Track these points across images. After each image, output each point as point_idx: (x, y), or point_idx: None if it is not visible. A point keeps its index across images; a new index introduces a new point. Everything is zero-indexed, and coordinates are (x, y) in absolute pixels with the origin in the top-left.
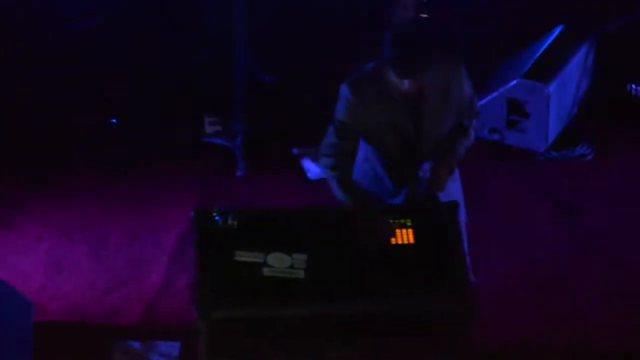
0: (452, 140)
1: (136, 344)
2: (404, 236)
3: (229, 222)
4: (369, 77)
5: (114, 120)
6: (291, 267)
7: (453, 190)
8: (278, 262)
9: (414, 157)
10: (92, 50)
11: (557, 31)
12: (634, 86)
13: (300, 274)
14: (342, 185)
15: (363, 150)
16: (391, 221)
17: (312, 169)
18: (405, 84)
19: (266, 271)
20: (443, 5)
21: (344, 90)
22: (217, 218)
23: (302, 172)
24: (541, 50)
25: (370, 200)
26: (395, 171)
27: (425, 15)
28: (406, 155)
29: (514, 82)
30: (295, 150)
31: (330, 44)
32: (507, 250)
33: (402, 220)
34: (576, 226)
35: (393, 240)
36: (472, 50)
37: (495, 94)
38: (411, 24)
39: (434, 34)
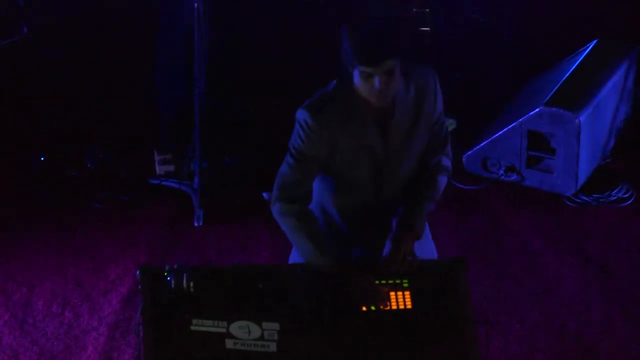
0: (419, 199)
1: None
2: (400, 300)
3: (184, 283)
4: (330, 98)
5: (42, 158)
6: (261, 338)
7: (426, 249)
8: (244, 333)
9: (382, 194)
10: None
11: (589, 47)
12: None
13: (272, 347)
14: (309, 236)
15: (315, 191)
16: (384, 282)
17: None
18: (376, 83)
19: (230, 344)
20: (450, 15)
21: (302, 115)
22: (168, 278)
23: (273, 221)
24: (570, 71)
25: (345, 259)
26: (355, 215)
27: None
28: (375, 190)
29: (537, 110)
30: (265, 195)
31: (302, 73)
32: (528, 314)
33: (397, 281)
34: (610, 287)
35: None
36: (486, 72)
37: (513, 124)
38: (372, 11)
39: (402, 21)
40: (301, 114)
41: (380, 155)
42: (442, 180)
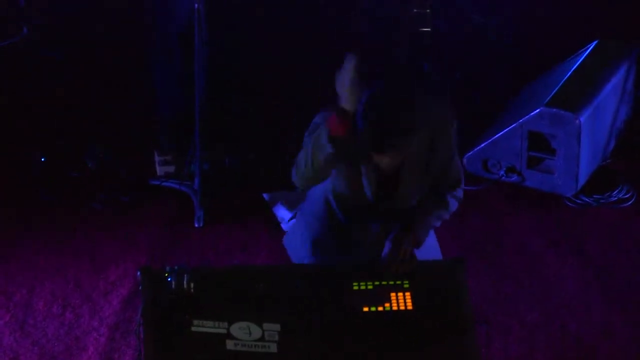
0: (424, 211)
1: None
2: (401, 301)
3: (184, 284)
4: None
5: (42, 159)
6: (261, 339)
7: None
8: (245, 334)
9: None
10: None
11: (590, 48)
12: None
13: (273, 348)
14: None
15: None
16: (384, 283)
17: (287, 218)
18: (381, 162)
19: (230, 345)
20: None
21: (317, 119)
22: (169, 279)
23: (274, 222)
24: (570, 72)
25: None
26: (351, 210)
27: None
28: (363, 203)
29: (537, 111)
30: (265, 196)
31: (302, 74)
32: (528, 315)
33: (397, 282)
34: (610, 288)
35: (387, 306)
36: (486, 72)
37: (513, 125)
38: (390, 88)
39: (419, 97)
40: (317, 118)
41: (375, 184)
42: (453, 204)
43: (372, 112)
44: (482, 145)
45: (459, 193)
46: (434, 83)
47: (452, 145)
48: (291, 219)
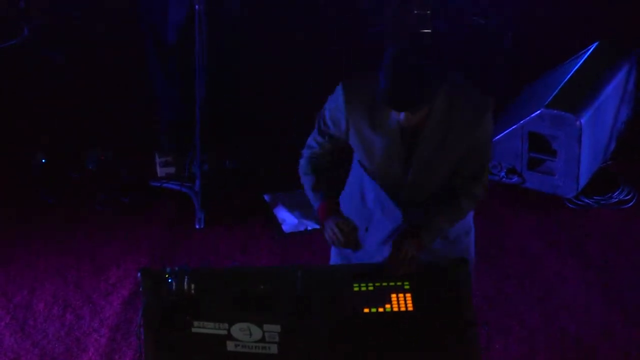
0: (433, 213)
1: None
2: (402, 302)
3: (185, 285)
4: (367, 86)
5: (43, 160)
6: (262, 340)
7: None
8: (245, 335)
9: (397, 194)
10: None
11: (590, 49)
12: None
13: (273, 349)
14: (312, 189)
15: (353, 170)
16: (385, 284)
17: (288, 219)
18: (401, 115)
19: (231, 346)
20: (451, 17)
21: (339, 90)
22: (169, 280)
23: (275, 223)
24: (571, 73)
25: (341, 216)
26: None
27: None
28: (389, 189)
29: (538, 112)
30: (266, 197)
31: (302, 75)
32: (528, 316)
33: (398, 283)
34: (611, 289)
35: (388, 307)
36: (486, 74)
37: (514, 126)
38: (413, 48)
39: (440, 61)
40: (339, 88)
41: (395, 159)
42: (466, 205)
43: (388, 68)
44: None
45: (478, 191)
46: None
47: (480, 139)
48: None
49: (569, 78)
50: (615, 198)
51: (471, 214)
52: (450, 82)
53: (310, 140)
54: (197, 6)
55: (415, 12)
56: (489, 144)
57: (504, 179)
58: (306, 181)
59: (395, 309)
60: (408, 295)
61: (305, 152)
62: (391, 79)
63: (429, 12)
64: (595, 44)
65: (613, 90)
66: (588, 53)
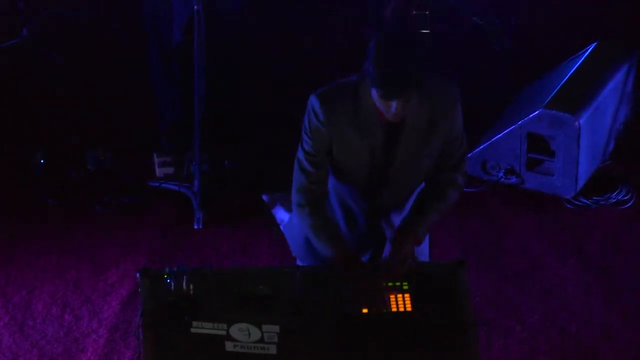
0: (426, 208)
1: None
2: (400, 302)
3: (184, 285)
4: (346, 91)
5: (42, 160)
6: (261, 340)
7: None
8: (244, 335)
9: (379, 200)
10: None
11: (589, 49)
12: None
13: (272, 350)
14: (317, 231)
15: (331, 181)
16: (385, 284)
17: (287, 219)
18: (393, 107)
19: (230, 346)
20: (450, 17)
21: (314, 103)
22: (168, 281)
23: (273, 223)
24: (570, 74)
25: (355, 254)
26: (351, 212)
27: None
28: (371, 196)
29: (536, 112)
30: (265, 197)
31: (302, 76)
32: (528, 317)
33: (397, 284)
34: (610, 290)
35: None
36: (486, 74)
37: (512, 127)
38: (402, 33)
39: (429, 47)
40: (313, 101)
41: (380, 159)
42: (453, 196)
43: (384, 61)
44: (482, 146)
45: (459, 179)
46: (439, 64)
47: (454, 127)
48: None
49: (568, 78)
50: (614, 198)
51: None
52: None
53: (299, 186)
54: (195, 6)
55: (414, 12)
56: (463, 132)
57: (502, 179)
58: (321, 233)
59: (394, 310)
60: (407, 295)
61: (301, 199)
62: (387, 66)
63: (427, 12)
64: (594, 44)
65: (612, 90)
66: (587, 53)
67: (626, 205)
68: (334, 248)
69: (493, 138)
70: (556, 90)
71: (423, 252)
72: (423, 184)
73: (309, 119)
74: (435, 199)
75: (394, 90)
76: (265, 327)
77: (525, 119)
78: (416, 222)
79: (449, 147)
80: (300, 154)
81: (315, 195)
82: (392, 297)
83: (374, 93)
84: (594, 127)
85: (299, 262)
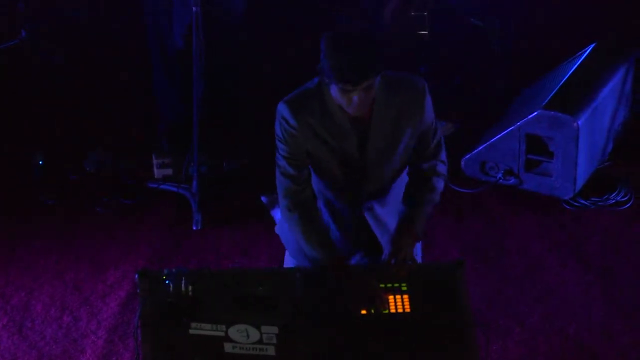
0: (417, 202)
1: None
2: (399, 303)
3: (183, 286)
4: (312, 94)
5: (41, 162)
6: (259, 342)
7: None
8: (243, 336)
9: (359, 193)
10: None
11: (588, 50)
12: None
13: (271, 351)
14: (307, 236)
15: (315, 182)
16: (382, 285)
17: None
18: (354, 99)
19: (228, 347)
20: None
21: (283, 110)
22: (167, 282)
23: (272, 224)
24: (568, 75)
25: (344, 256)
26: (336, 211)
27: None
28: (351, 190)
29: (535, 113)
30: (263, 199)
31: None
32: (528, 318)
33: (395, 285)
34: (610, 291)
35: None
36: (485, 75)
37: (511, 128)
38: (351, 27)
39: (381, 38)
40: (282, 108)
41: (354, 155)
42: (439, 184)
43: (336, 50)
44: (480, 147)
45: (441, 168)
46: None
47: (425, 120)
48: None
49: (566, 79)
50: (613, 199)
51: None
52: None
53: (285, 191)
54: (194, 8)
55: (413, 13)
56: (435, 123)
57: (501, 180)
58: (311, 239)
59: (393, 311)
60: (405, 296)
61: (289, 203)
62: (337, 56)
63: (426, 13)
64: (593, 45)
65: (610, 91)
66: (585, 54)
67: (625, 206)
68: (323, 253)
69: (492, 139)
70: (555, 91)
71: (417, 253)
72: (408, 180)
73: (281, 126)
74: (422, 191)
75: (348, 75)
76: (264, 328)
77: (524, 120)
78: (411, 218)
79: (424, 138)
80: (280, 161)
81: (302, 197)
82: (391, 298)
83: (334, 90)
84: (593, 128)
85: (287, 263)
